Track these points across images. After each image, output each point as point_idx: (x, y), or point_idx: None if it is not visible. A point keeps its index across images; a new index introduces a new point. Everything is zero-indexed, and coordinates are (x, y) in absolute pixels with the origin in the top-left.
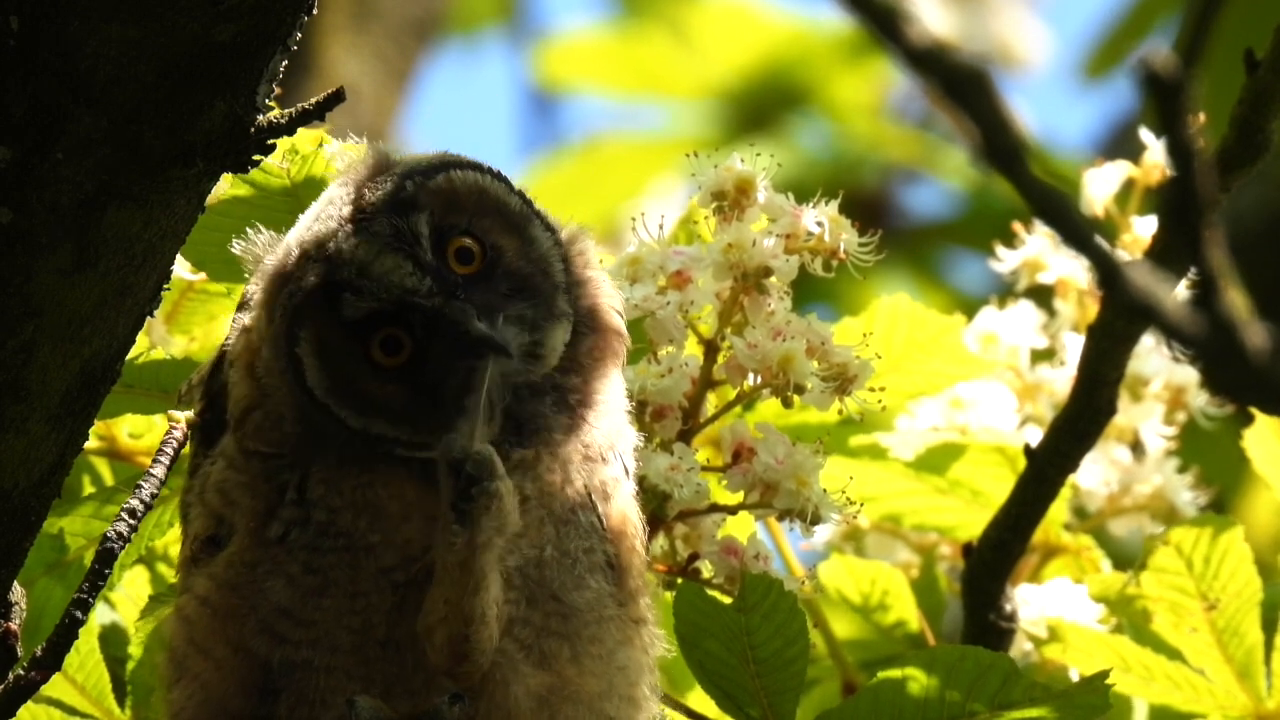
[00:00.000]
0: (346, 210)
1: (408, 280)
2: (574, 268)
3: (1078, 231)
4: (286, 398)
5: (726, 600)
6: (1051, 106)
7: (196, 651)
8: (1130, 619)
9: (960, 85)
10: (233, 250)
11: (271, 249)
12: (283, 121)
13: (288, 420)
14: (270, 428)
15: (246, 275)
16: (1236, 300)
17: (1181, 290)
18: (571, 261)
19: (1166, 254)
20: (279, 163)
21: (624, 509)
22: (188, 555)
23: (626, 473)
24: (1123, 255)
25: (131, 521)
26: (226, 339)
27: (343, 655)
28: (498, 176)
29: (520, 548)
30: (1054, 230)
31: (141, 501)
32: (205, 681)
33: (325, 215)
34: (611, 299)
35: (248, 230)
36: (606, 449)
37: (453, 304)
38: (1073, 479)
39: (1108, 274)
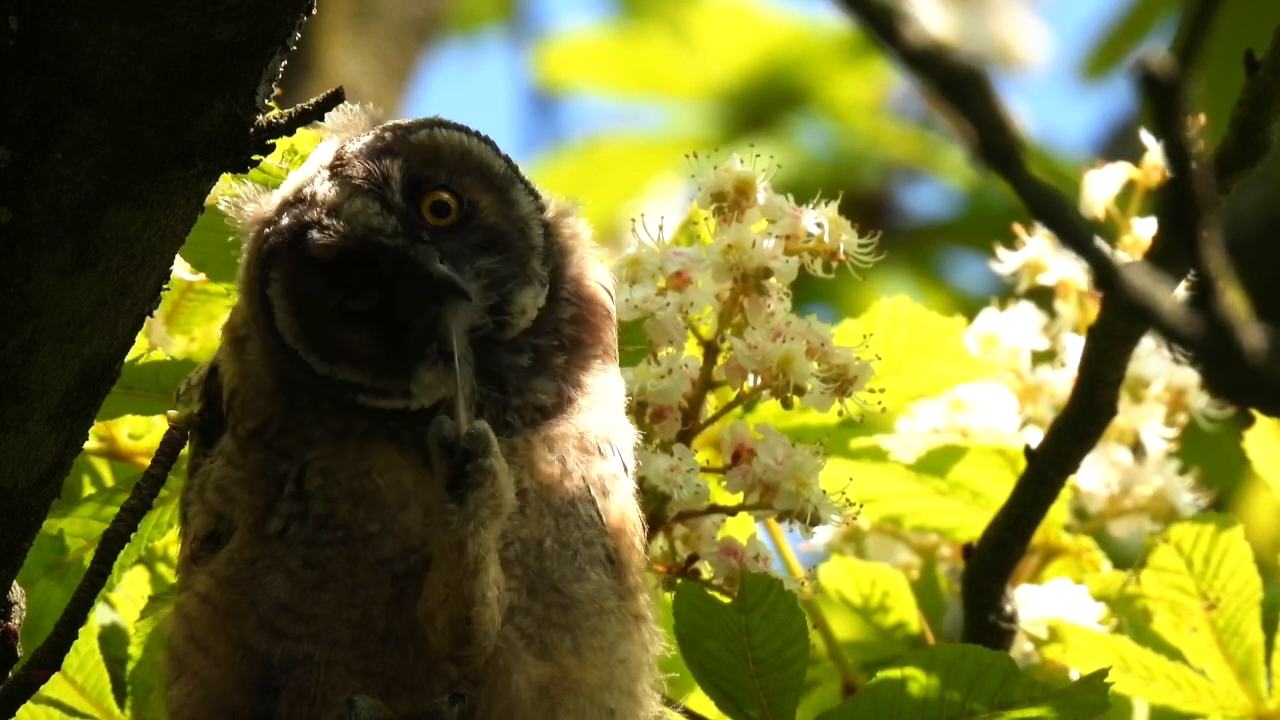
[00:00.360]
0: (327, 159)
1: (374, 219)
2: (559, 237)
3: (1075, 232)
4: (260, 347)
5: (726, 601)
6: (1051, 107)
7: (197, 649)
8: (1130, 618)
9: (957, 86)
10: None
11: (256, 199)
12: (282, 121)
13: (263, 372)
14: (254, 396)
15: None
16: (1234, 301)
17: (1181, 291)
18: (557, 231)
19: (1166, 255)
20: (278, 163)
21: (623, 506)
22: (188, 554)
23: (625, 470)
24: (1122, 257)
25: (131, 522)
26: None
27: (343, 650)
28: (484, 140)
29: (520, 538)
30: (1051, 231)
31: (141, 502)
32: (205, 679)
33: (307, 166)
34: (597, 271)
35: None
36: (603, 442)
37: (417, 245)
38: (1073, 480)
39: (1105, 275)
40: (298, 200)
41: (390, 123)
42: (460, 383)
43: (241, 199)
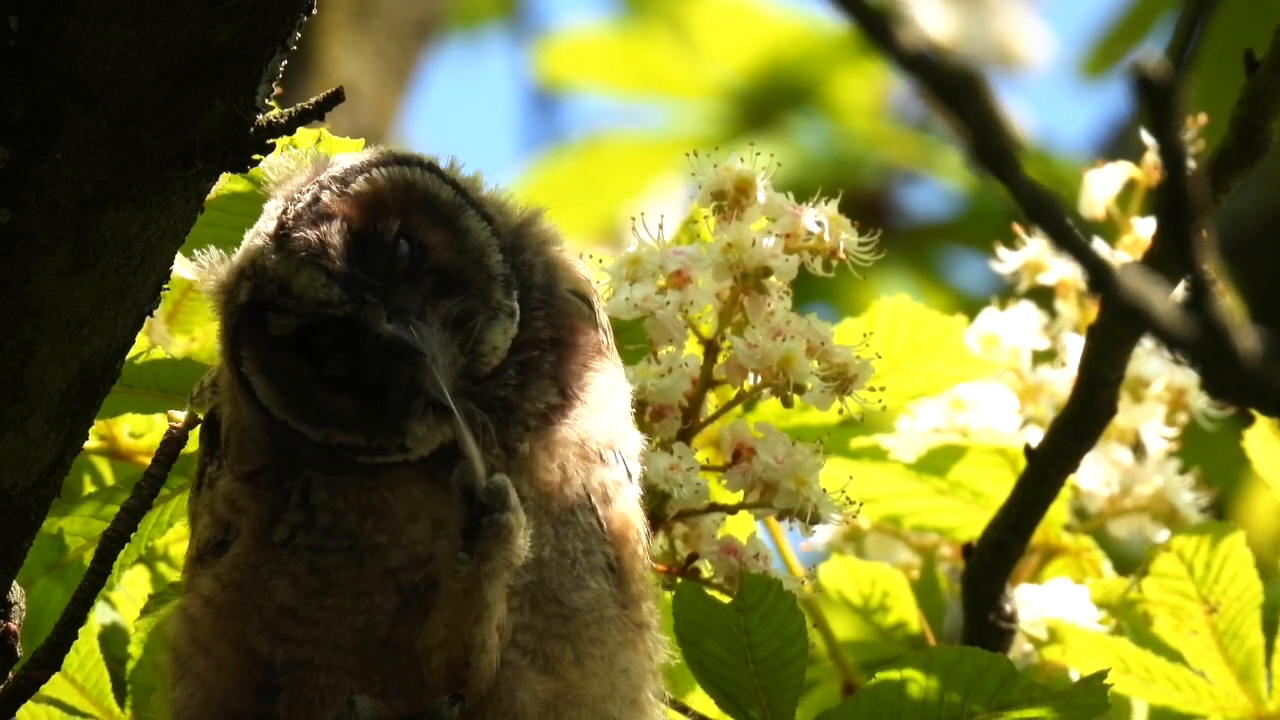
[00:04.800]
0: (272, 225)
1: (320, 292)
2: (525, 249)
3: (1070, 236)
4: (250, 414)
5: (726, 600)
6: (1052, 106)
7: (199, 650)
8: (1131, 622)
9: (952, 88)
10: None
11: (219, 266)
12: (282, 121)
13: (256, 426)
14: (249, 444)
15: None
16: (1229, 304)
17: (1178, 293)
18: (522, 243)
19: (1165, 256)
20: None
21: (626, 513)
22: (193, 555)
23: (630, 476)
24: (1122, 257)
25: (131, 521)
26: None
27: (344, 654)
28: (428, 168)
29: None
30: (1046, 234)
31: (141, 501)
32: (207, 680)
33: (257, 231)
34: (569, 274)
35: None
36: (605, 448)
37: (364, 308)
38: (1073, 480)
39: (1100, 279)
40: (251, 274)
41: (330, 172)
42: (460, 427)
43: (206, 267)
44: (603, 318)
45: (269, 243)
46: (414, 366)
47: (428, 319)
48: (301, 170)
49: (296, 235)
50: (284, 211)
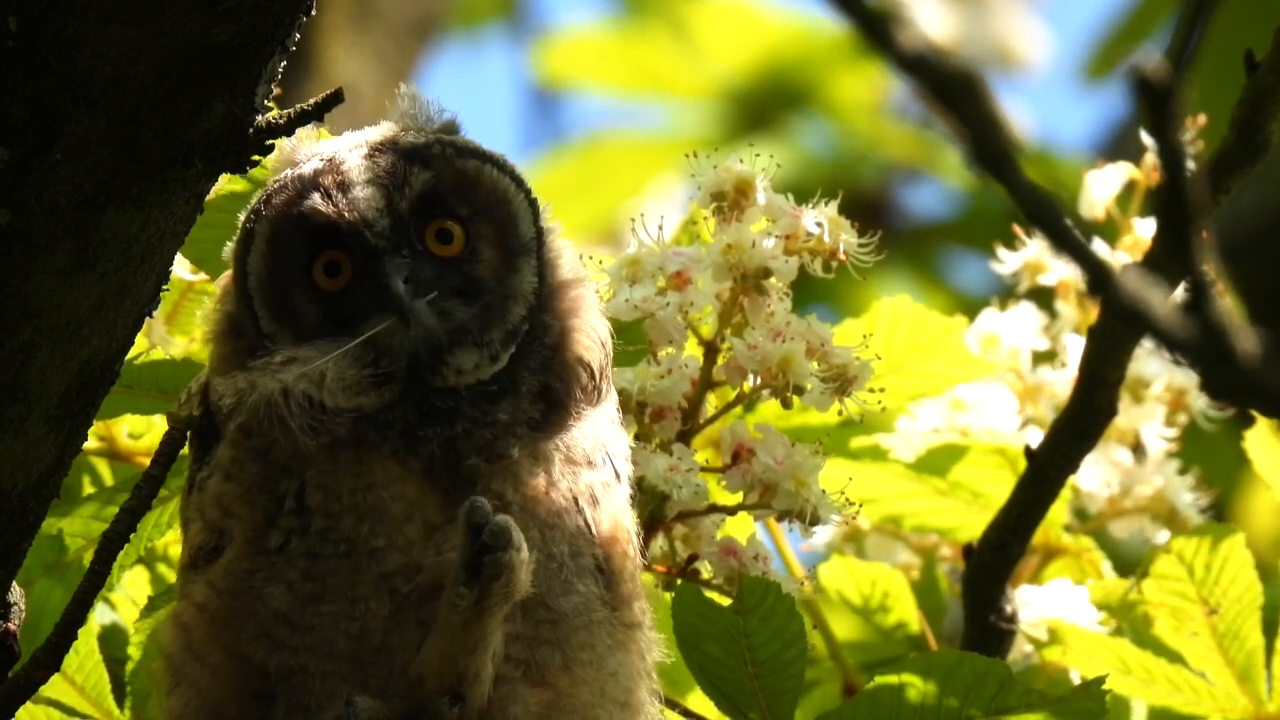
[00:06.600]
0: (376, 137)
1: (370, 212)
2: (548, 315)
3: (1069, 237)
4: (232, 297)
5: (726, 601)
6: (1053, 107)
7: (193, 658)
8: (1132, 624)
9: (951, 90)
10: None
11: (296, 147)
12: (281, 122)
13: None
14: (225, 345)
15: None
16: (1228, 304)
17: (1177, 294)
18: (552, 308)
19: (1165, 257)
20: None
21: (614, 514)
22: (186, 562)
23: (618, 478)
24: (1122, 258)
25: (130, 522)
26: None
27: (338, 661)
28: (532, 202)
29: None
30: (1045, 236)
31: (140, 502)
32: (202, 688)
33: (353, 137)
34: (581, 345)
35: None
36: (593, 452)
37: (395, 257)
38: (1073, 481)
39: (1099, 280)
40: (325, 159)
41: (454, 137)
42: (344, 352)
43: (291, 143)
44: (606, 380)
45: (359, 148)
46: (386, 320)
47: (446, 314)
48: (419, 114)
49: (388, 156)
50: (387, 134)
